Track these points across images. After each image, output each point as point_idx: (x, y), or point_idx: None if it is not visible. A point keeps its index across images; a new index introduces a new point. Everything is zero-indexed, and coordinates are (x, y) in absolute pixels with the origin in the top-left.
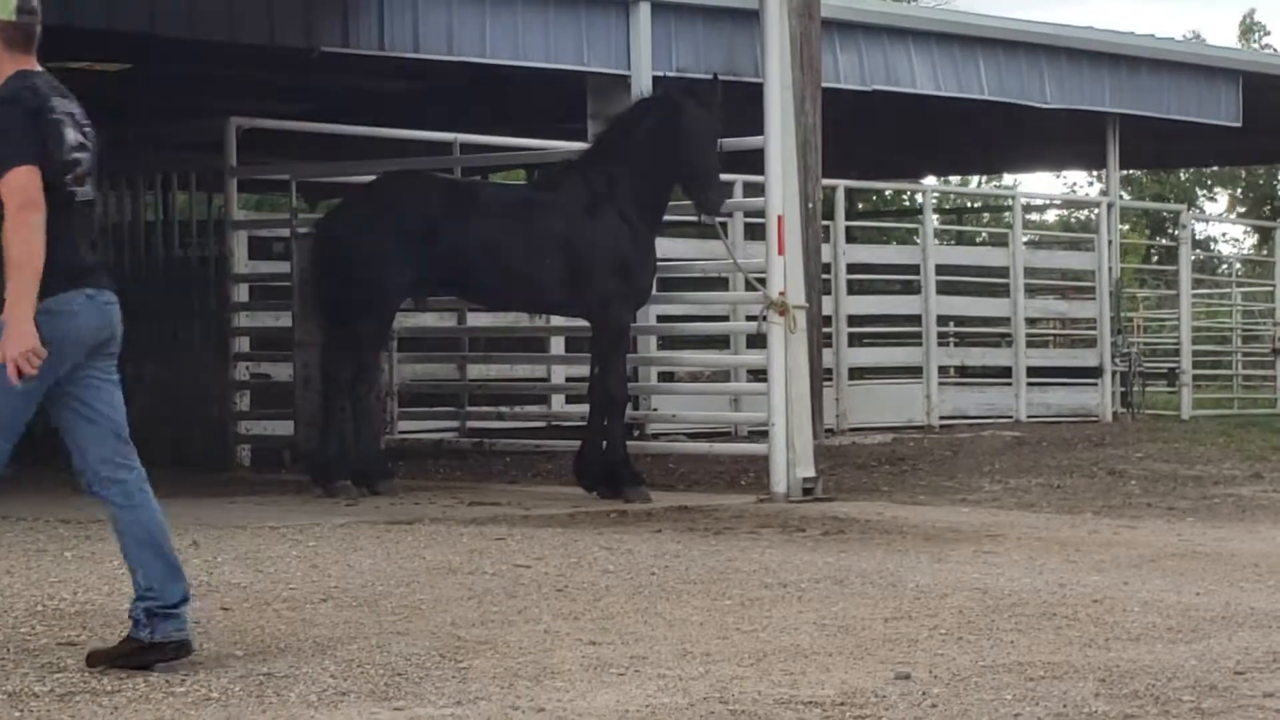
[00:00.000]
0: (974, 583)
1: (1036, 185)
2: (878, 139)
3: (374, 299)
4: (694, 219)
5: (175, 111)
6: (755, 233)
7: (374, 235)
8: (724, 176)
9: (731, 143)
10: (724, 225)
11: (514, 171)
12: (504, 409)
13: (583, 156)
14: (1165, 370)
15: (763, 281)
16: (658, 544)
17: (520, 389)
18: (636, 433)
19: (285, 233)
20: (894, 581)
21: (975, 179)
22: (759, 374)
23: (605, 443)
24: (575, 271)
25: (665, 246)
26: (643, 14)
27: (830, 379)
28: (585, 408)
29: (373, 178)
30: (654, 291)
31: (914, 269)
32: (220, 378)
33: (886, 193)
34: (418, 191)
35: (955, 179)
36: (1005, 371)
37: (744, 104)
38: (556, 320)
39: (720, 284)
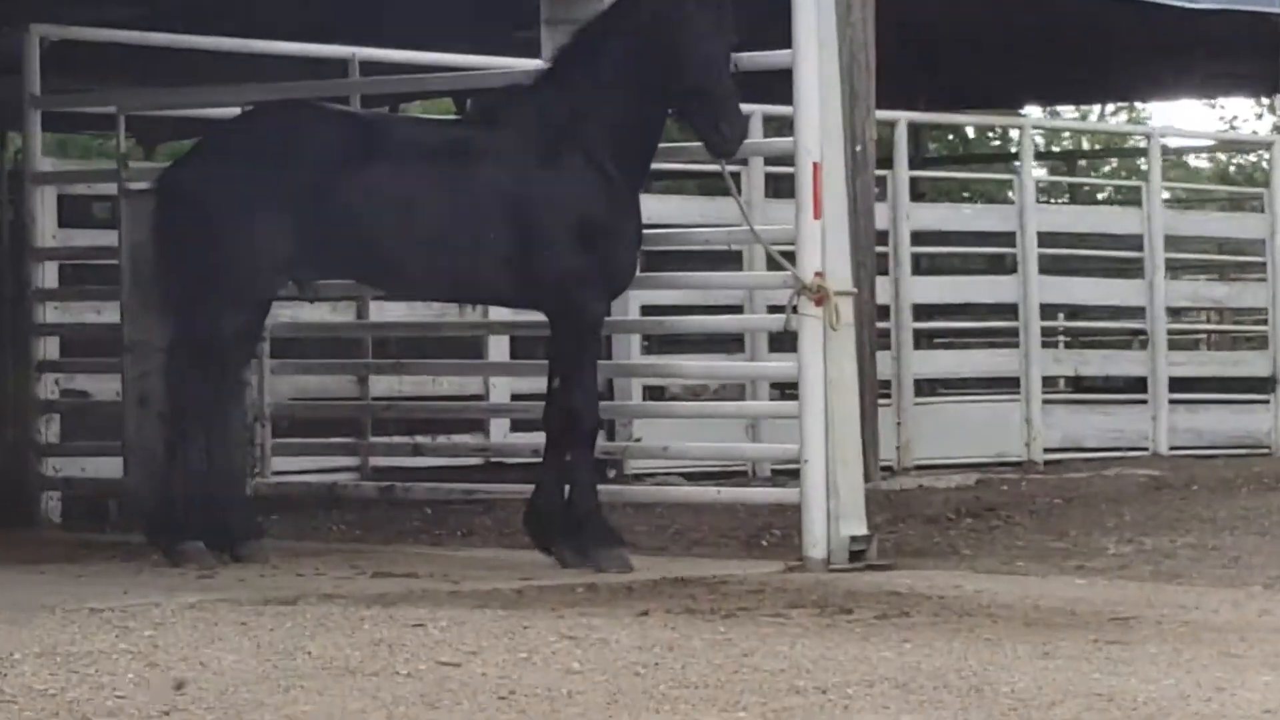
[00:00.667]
0: (1094, 686)
1: (1182, 119)
2: (956, 54)
3: (239, 284)
4: (694, 166)
5: None
6: (781, 187)
7: (238, 193)
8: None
9: (747, 60)
10: (736, 177)
11: (438, 101)
12: (423, 439)
13: (537, 80)
14: None
15: (791, 257)
16: (643, 631)
17: (446, 411)
18: (613, 473)
19: (111, 189)
20: (980, 685)
21: (1095, 110)
22: (786, 389)
23: (568, 487)
24: (524, 243)
25: (653, 207)
26: None
27: (888, 395)
28: (538, 437)
29: (237, 111)
30: (638, 272)
31: (1007, 238)
32: (17, 396)
33: (968, 129)
34: (300, 130)
35: (1067, 110)
36: (1138, 384)
37: (765, 7)
38: (498, 313)
39: (731, 260)
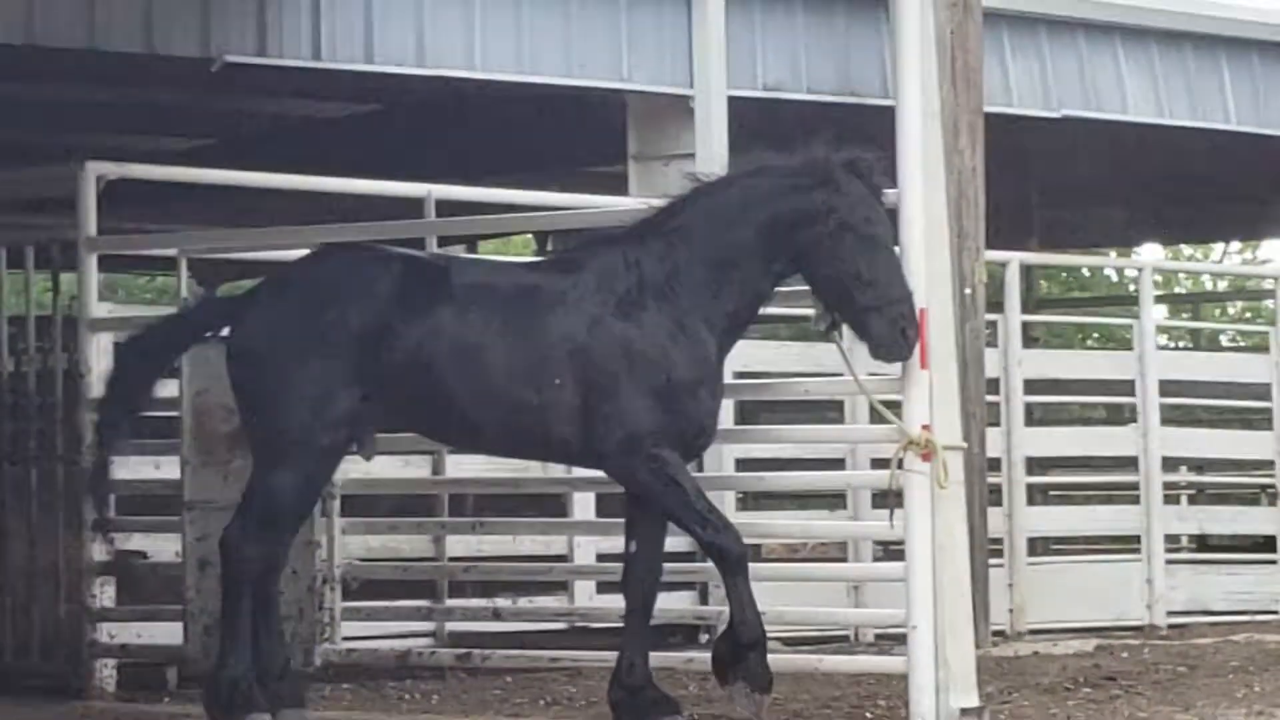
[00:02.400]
0: None
1: None
2: (1070, 190)
3: (296, 437)
4: (788, 311)
5: (5, 154)
6: None
7: (294, 340)
8: None
9: None
10: (838, 323)
11: (515, 243)
12: (503, 602)
13: (633, 230)
14: None
15: (897, 409)
16: None
17: (527, 572)
18: (706, 638)
19: None
20: None
21: (1219, 249)
22: (891, 548)
23: (732, 623)
24: (593, 398)
25: (748, 354)
26: (712, 3)
27: (1000, 554)
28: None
29: (303, 253)
30: (717, 430)
31: (1127, 386)
32: (71, 557)
33: (1084, 270)
34: (362, 273)
35: (1189, 250)
36: (1268, 543)
37: (866, 138)
38: (583, 468)
39: (831, 411)
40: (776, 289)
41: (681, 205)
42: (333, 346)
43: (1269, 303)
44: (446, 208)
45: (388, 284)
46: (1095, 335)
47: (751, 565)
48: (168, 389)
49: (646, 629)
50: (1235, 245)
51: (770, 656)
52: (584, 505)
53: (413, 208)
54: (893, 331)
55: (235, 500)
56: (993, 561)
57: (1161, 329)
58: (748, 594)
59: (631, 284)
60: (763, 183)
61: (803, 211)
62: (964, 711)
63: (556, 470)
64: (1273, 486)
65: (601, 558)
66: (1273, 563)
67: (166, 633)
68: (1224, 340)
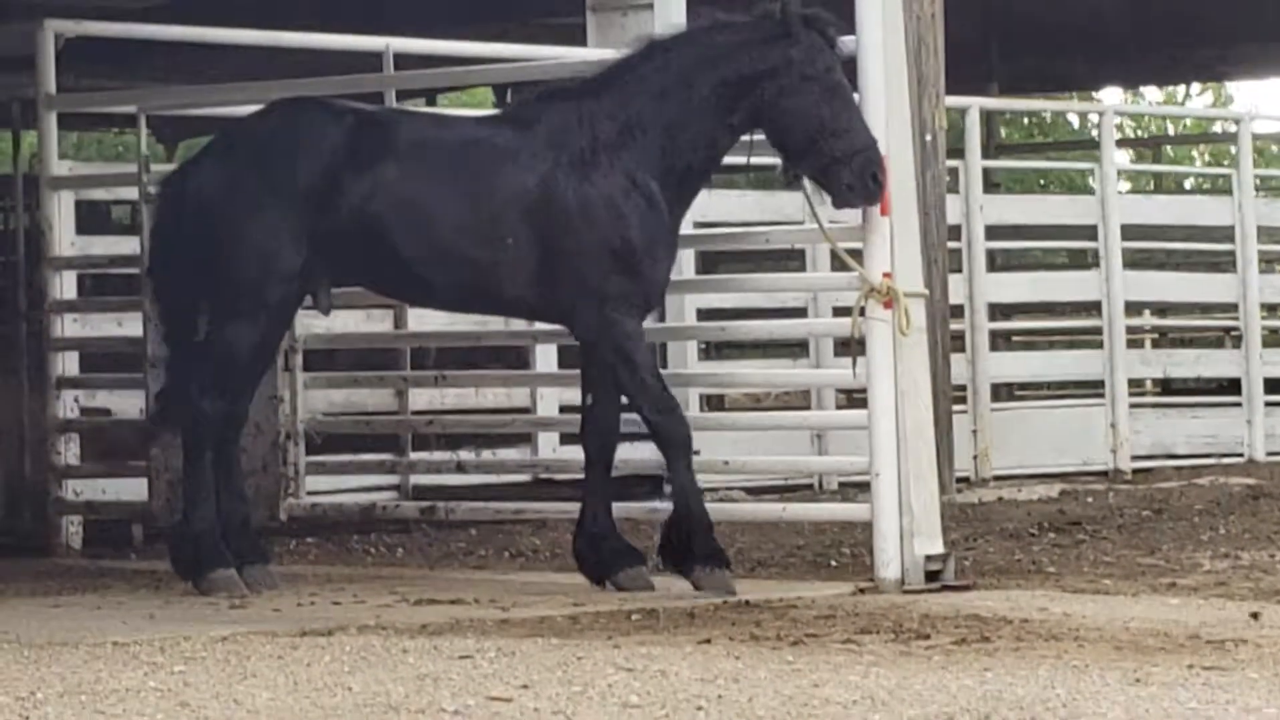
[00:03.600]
0: (1190, 716)
1: (1271, 99)
2: (1031, 34)
3: (247, 292)
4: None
5: None
6: None
7: (244, 195)
8: None
9: None
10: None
11: (476, 92)
12: (466, 455)
13: (588, 84)
14: None
15: (859, 256)
16: (704, 661)
17: (491, 425)
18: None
19: (132, 193)
20: (1068, 716)
21: (1182, 93)
22: (855, 396)
23: (678, 503)
24: (548, 256)
25: (708, 204)
26: None
27: (964, 401)
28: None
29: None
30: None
31: (1089, 231)
32: (35, 415)
33: (1045, 115)
34: (311, 128)
35: (1152, 93)
36: (1232, 386)
37: None
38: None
39: (794, 260)
40: (724, 150)
41: (637, 60)
42: (281, 201)
43: (1232, 146)
44: (405, 61)
45: (337, 138)
46: (1057, 180)
47: (716, 415)
48: (129, 245)
49: (608, 480)
50: (1196, 87)
51: (734, 505)
52: (546, 357)
53: (371, 61)
54: (862, 177)
55: None
56: (956, 408)
57: (1124, 173)
58: (690, 479)
59: (585, 140)
60: (721, 38)
61: (763, 65)
62: (929, 558)
63: (518, 323)
64: (1236, 329)
65: (564, 409)
66: (1236, 405)
67: (132, 489)
68: (1186, 184)
